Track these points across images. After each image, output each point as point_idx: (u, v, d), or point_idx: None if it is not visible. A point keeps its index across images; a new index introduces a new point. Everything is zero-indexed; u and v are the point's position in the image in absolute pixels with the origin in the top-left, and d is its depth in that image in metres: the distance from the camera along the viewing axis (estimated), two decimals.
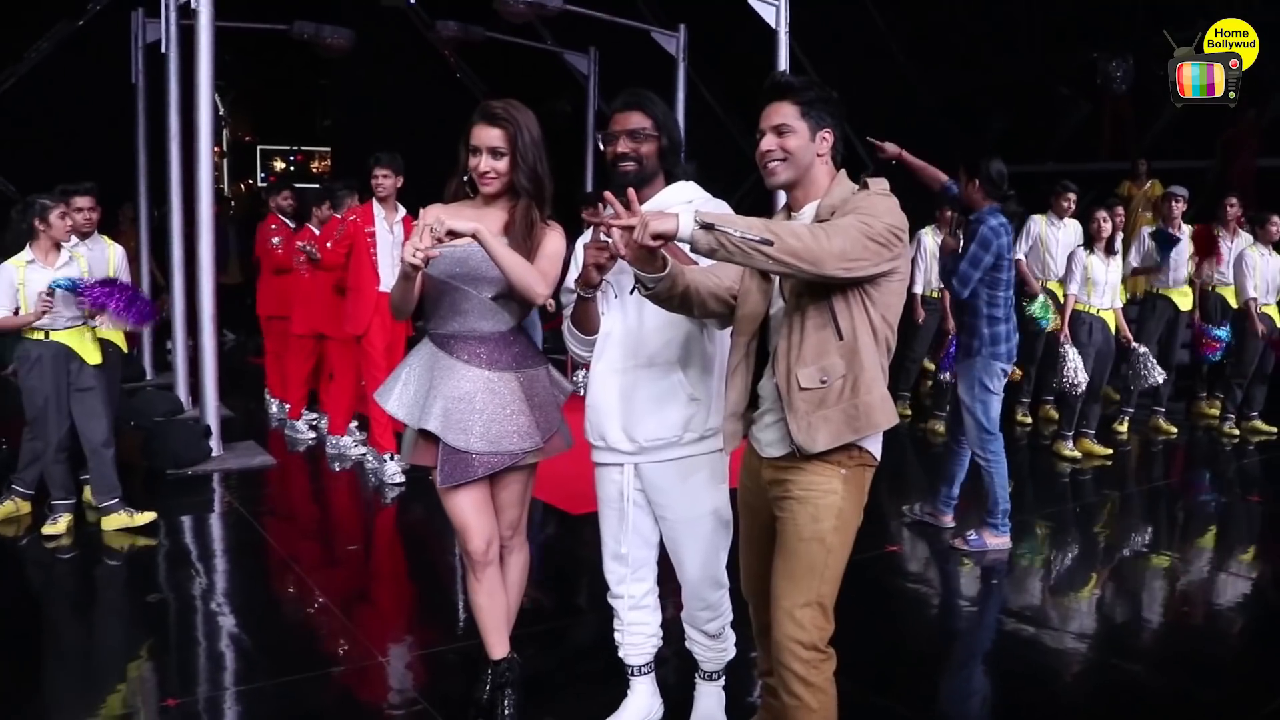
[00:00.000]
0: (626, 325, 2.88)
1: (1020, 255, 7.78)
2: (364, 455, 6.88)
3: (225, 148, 19.43)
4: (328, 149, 19.77)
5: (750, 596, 2.84)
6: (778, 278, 2.53)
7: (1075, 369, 6.63)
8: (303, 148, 20.79)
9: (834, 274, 2.31)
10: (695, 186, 2.91)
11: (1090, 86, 12.14)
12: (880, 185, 2.51)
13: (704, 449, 2.90)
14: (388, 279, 6.12)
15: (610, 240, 2.41)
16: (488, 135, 2.96)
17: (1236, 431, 7.89)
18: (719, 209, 2.81)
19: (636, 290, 2.54)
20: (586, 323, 2.94)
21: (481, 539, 3.09)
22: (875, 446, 2.54)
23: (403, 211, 6.24)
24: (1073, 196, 7.69)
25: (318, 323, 7.05)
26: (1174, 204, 7.74)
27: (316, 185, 14.75)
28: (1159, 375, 7.08)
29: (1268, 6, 8.46)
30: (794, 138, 2.52)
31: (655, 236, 2.26)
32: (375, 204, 6.23)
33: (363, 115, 14.88)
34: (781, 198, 2.73)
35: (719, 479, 2.96)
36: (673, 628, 3.26)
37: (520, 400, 3.07)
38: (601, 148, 2.89)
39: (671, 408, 2.85)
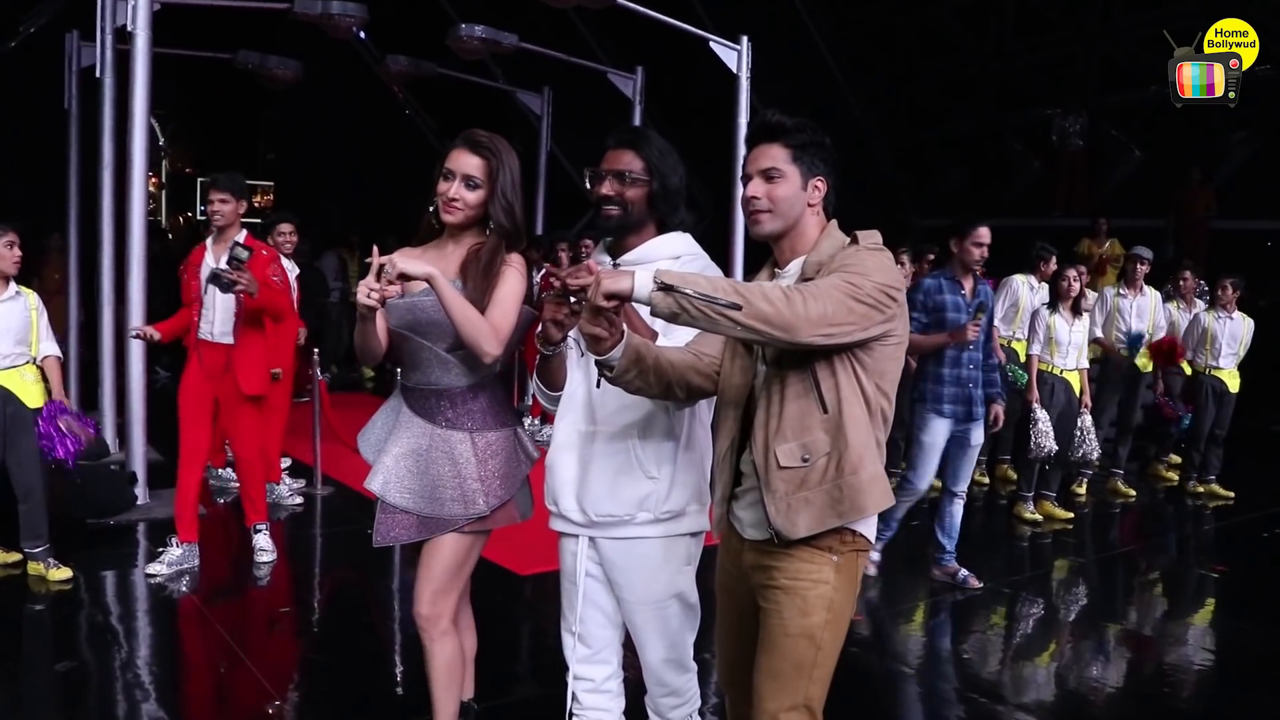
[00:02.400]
0: (589, 386, 2.65)
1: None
2: (300, 505, 6.60)
3: (164, 179, 19.00)
4: (270, 183, 19.46)
5: (728, 688, 2.62)
6: (760, 344, 2.32)
7: (1046, 433, 6.54)
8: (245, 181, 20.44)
9: (811, 342, 2.10)
10: (688, 239, 2.69)
11: (1042, 143, 12.31)
12: (871, 239, 2.30)
13: (661, 532, 2.65)
14: (207, 324, 5.16)
15: (564, 295, 2.21)
16: (466, 162, 2.79)
17: (1201, 489, 7.86)
18: (706, 267, 2.61)
19: (601, 380, 2.33)
20: (551, 378, 2.72)
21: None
22: (870, 530, 2.34)
23: (240, 238, 5.08)
24: (1054, 260, 7.56)
25: None
26: (1138, 266, 7.76)
27: (258, 220, 14.48)
28: (1095, 451, 6.97)
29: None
30: (783, 185, 2.31)
31: (609, 296, 2.05)
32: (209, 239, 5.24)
33: (307, 149, 14.68)
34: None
35: (683, 562, 2.71)
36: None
37: (471, 464, 2.87)
38: (588, 186, 2.67)
39: (626, 484, 2.61)
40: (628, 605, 2.72)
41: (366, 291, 2.56)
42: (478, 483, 2.87)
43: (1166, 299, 8.18)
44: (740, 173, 2.39)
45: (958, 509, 5.45)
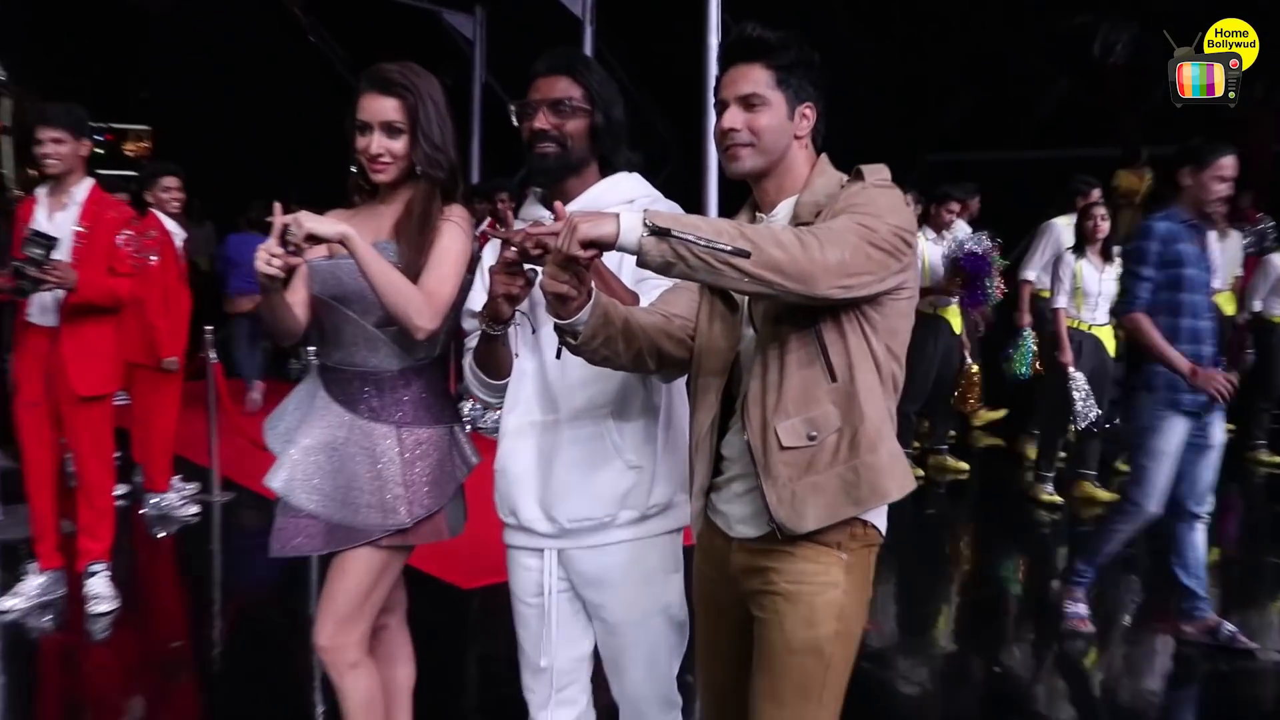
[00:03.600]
0: (546, 367, 2.59)
1: (1030, 275, 7.75)
2: (196, 516, 6.50)
3: (7, 124, 18.53)
4: (146, 128, 19.15)
5: (713, 719, 2.58)
6: (745, 300, 2.27)
7: (1088, 399, 6.56)
8: (114, 125, 20.09)
9: (828, 295, 2.04)
10: (639, 180, 2.65)
11: (1069, 58, 12.29)
12: (879, 175, 2.25)
13: (647, 531, 2.62)
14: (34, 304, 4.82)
15: (522, 260, 2.15)
16: (380, 107, 2.75)
17: (1276, 459, 8.07)
18: (668, 210, 2.55)
19: (561, 349, 2.24)
20: (494, 364, 2.64)
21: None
22: (882, 520, 2.30)
23: (84, 190, 4.85)
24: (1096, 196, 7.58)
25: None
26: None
27: (133, 172, 14.24)
28: (1093, 412, 6.83)
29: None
30: (766, 113, 2.25)
31: (587, 244, 1.96)
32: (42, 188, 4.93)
33: (190, 87, 14.43)
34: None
35: (669, 567, 2.68)
36: None
37: (395, 464, 2.81)
38: (515, 123, 2.61)
39: (603, 478, 2.57)
40: (606, 627, 2.68)
41: (267, 258, 2.46)
42: (401, 488, 2.81)
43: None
44: (712, 100, 2.33)
45: (1200, 537, 4.78)
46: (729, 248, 1.93)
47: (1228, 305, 8.04)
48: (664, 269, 1.98)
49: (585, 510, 2.58)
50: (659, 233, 1.93)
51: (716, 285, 2.07)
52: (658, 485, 2.61)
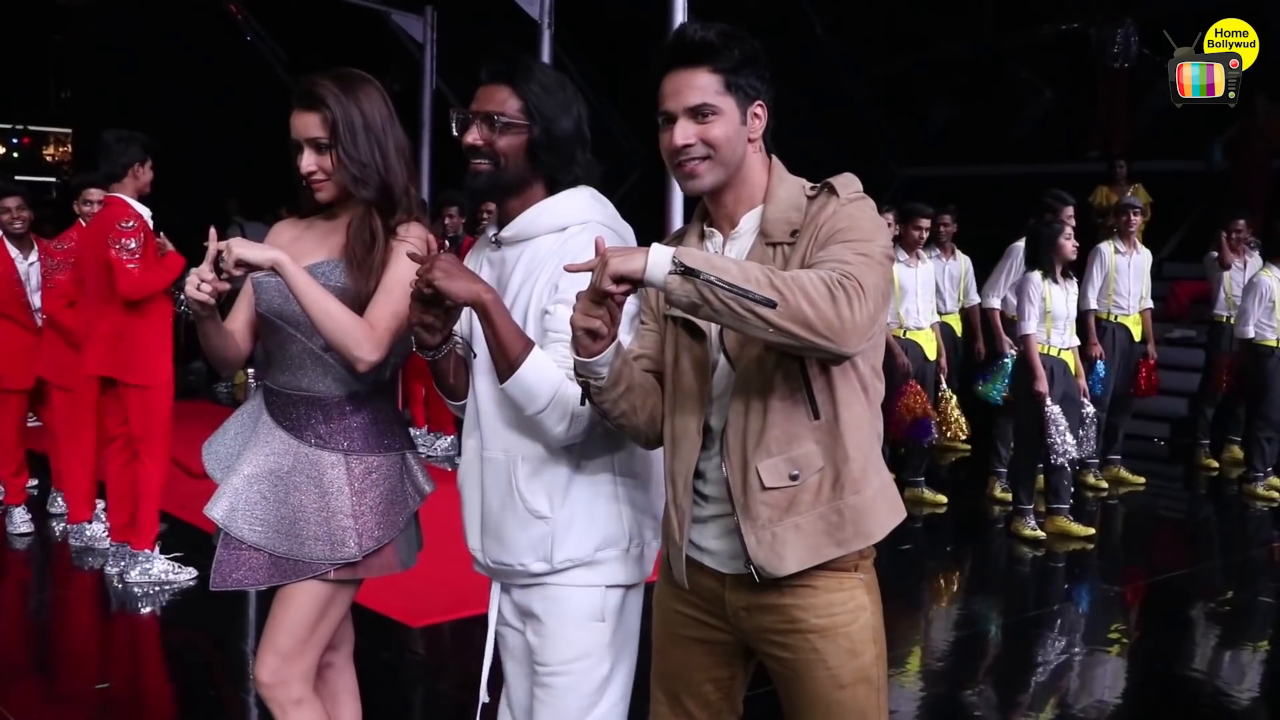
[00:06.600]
0: (478, 398, 2.65)
1: (996, 302, 8.18)
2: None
3: None
4: (67, 130, 19.09)
5: None
6: (714, 328, 2.30)
7: (1064, 431, 6.70)
8: (31, 127, 20.02)
9: (856, 352, 2.11)
10: (587, 199, 2.65)
11: (1054, 69, 12.48)
12: (851, 187, 2.29)
13: (564, 581, 2.59)
14: None
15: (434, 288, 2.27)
16: (305, 123, 2.79)
17: (1275, 494, 8.30)
18: (623, 234, 2.62)
19: (586, 401, 2.30)
20: (445, 386, 2.71)
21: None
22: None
23: None
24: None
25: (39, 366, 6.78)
26: (1131, 217, 8.27)
27: (53, 179, 14.18)
28: (1071, 448, 6.95)
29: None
30: (719, 123, 2.26)
31: (618, 279, 2.05)
32: None
33: (115, 86, 14.39)
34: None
35: (595, 615, 2.62)
36: None
37: (344, 494, 2.85)
38: (455, 133, 2.63)
39: (511, 524, 2.58)
40: (535, 674, 2.66)
41: (197, 283, 2.54)
42: (350, 519, 2.84)
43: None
44: (659, 111, 2.33)
45: None
46: (757, 296, 1.98)
47: (1137, 328, 8.38)
48: (691, 309, 2.05)
49: (500, 554, 2.61)
50: (687, 272, 2.00)
51: (740, 331, 2.10)
52: (574, 538, 2.56)
